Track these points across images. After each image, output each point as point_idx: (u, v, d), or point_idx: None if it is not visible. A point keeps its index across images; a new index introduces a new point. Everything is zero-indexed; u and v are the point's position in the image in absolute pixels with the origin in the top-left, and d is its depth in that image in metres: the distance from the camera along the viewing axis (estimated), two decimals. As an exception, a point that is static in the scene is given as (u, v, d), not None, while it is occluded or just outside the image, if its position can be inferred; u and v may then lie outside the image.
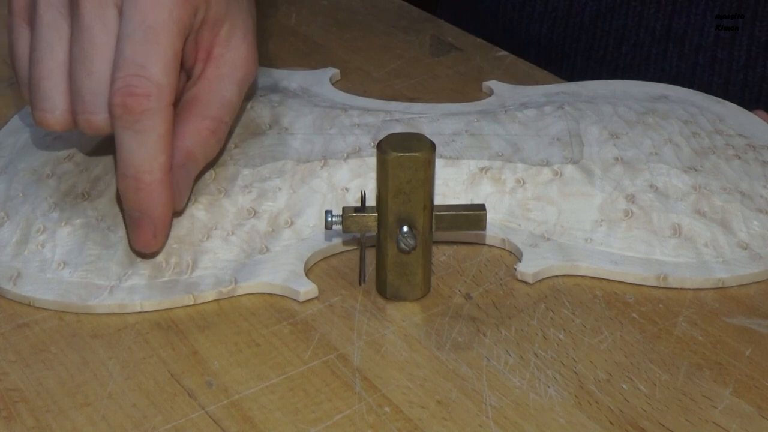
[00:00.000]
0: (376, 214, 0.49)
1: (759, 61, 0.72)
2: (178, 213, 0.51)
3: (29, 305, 0.50)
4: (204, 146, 0.50)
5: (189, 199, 0.52)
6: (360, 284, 0.51)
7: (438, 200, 0.52)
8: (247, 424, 0.44)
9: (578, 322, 0.49)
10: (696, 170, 0.55)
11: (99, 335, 0.48)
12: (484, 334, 0.48)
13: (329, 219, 0.49)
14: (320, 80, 0.65)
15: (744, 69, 0.73)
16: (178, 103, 0.50)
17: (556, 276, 0.52)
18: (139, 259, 0.51)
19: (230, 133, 0.56)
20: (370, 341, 0.48)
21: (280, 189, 0.54)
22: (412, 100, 0.66)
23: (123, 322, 0.49)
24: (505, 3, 0.81)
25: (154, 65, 0.46)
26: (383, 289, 0.51)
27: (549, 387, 0.46)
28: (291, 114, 0.58)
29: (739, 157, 0.57)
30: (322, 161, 0.55)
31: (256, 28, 0.54)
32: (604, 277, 0.52)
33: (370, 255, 0.52)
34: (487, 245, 0.54)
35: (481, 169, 0.55)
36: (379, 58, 0.72)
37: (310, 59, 0.71)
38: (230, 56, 0.51)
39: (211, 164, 0.54)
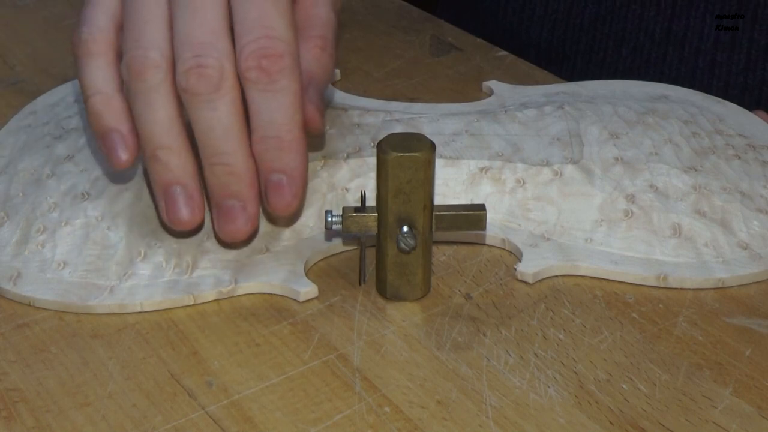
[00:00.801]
0: (376, 214, 0.49)
1: (759, 64, 0.72)
2: (319, 135, 0.52)
3: (29, 305, 0.50)
4: (319, 63, 0.50)
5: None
6: (360, 284, 0.51)
7: (438, 200, 0.52)
8: (247, 424, 0.44)
9: (578, 322, 0.49)
10: (696, 170, 0.55)
11: (99, 335, 0.48)
12: (484, 334, 0.48)
13: (329, 219, 0.49)
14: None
15: (744, 72, 0.73)
16: None
17: (556, 276, 0.52)
18: (139, 260, 0.51)
19: None
20: (370, 341, 0.48)
21: (280, 189, 0.54)
22: (412, 100, 0.66)
23: (123, 322, 0.49)
24: (505, 4, 0.81)
25: (281, 24, 0.47)
26: (383, 289, 0.51)
27: (549, 387, 0.46)
28: (291, 114, 0.58)
29: (739, 157, 0.57)
30: (322, 161, 0.55)
31: None
32: (604, 277, 0.52)
33: (370, 255, 0.52)
34: (487, 245, 0.54)
35: (481, 169, 0.55)
36: (379, 58, 0.72)
37: (310, 59, 0.71)
38: None
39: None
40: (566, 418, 0.44)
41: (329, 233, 0.53)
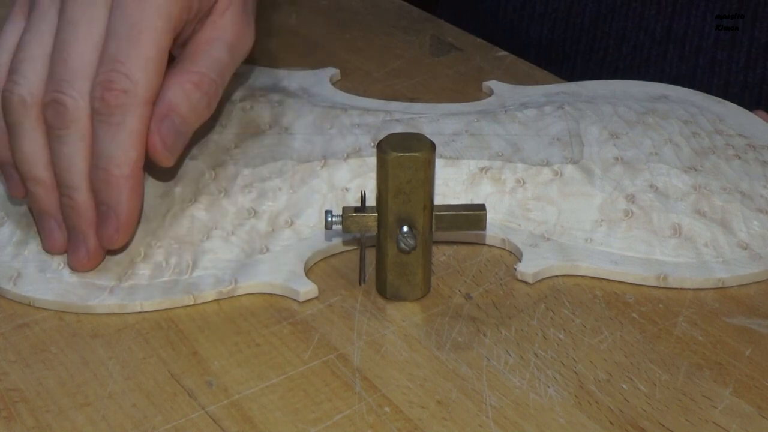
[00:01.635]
0: (376, 214, 0.49)
1: (759, 62, 0.72)
2: (168, 172, 0.52)
3: (29, 305, 0.50)
4: (187, 99, 0.49)
5: (188, 198, 0.52)
6: (360, 284, 0.51)
7: (438, 200, 0.52)
8: (247, 424, 0.44)
9: (578, 322, 0.49)
10: (696, 170, 0.55)
11: (99, 335, 0.48)
12: (484, 334, 0.48)
13: (329, 219, 0.49)
14: (320, 80, 0.65)
15: (744, 71, 0.73)
16: None
17: (556, 276, 0.52)
18: (139, 260, 0.51)
19: (230, 130, 0.56)
20: (370, 341, 0.48)
21: (280, 189, 0.54)
22: (412, 100, 0.66)
23: (123, 322, 0.49)
24: (505, 4, 0.80)
25: (133, 62, 0.47)
26: (383, 289, 0.51)
27: (549, 387, 0.45)
28: (291, 114, 0.58)
29: (739, 157, 0.57)
30: (322, 161, 0.55)
31: (255, 10, 0.54)
32: (604, 277, 0.52)
33: (370, 255, 0.52)
34: (487, 245, 0.54)
35: (481, 169, 0.55)
36: (379, 58, 0.72)
37: (310, 59, 0.71)
38: (223, 22, 0.51)
39: (212, 164, 0.54)
40: (566, 418, 0.44)
41: (329, 233, 0.53)
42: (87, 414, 0.44)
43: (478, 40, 0.74)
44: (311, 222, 0.53)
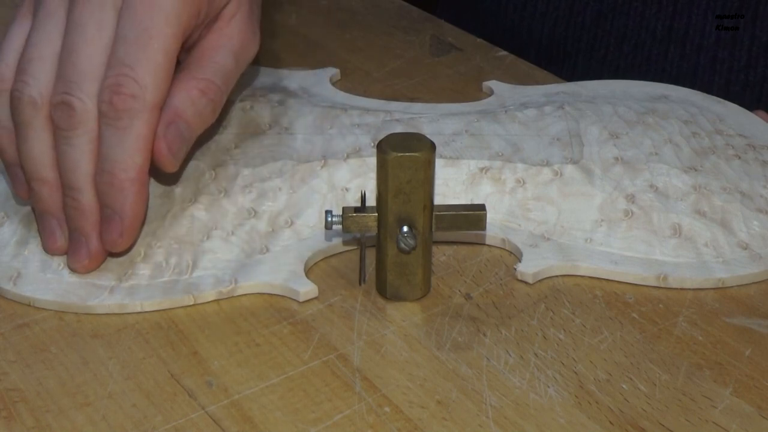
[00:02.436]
0: (376, 214, 0.49)
1: (760, 61, 0.72)
2: (171, 177, 0.52)
3: (29, 305, 0.50)
4: (193, 106, 0.49)
5: (188, 198, 0.52)
6: (360, 284, 0.51)
7: (438, 200, 0.52)
8: (247, 424, 0.44)
9: (578, 322, 0.49)
10: (696, 170, 0.55)
11: (99, 335, 0.48)
12: (484, 334, 0.48)
13: (329, 219, 0.49)
14: (320, 80, 0.65)
15: (745, 69, 0.73)
16: None
17: (556, 276, 0.52)
18: (139, 260, 0.51)
19: (230, 130, 0.56)
20: (370, 341, 0.48)
21: (280, 189, 0.54)
22: (412, 100, 0.66)
23: (123, 322, 0.49)
24: (506, 3, 0.80)
25: (142, 67, 0.47)
26: (383, 289, 0.50)
27: (549, 387, 0.45)
28: (291, 114, 0.58)
29: (739, 157, 0.57)
30: (322, 161, 0.55)
31: (260, 17, 0.54)
32: (604, 277, 0.52)
33: (370, 255, 0.52)
34: (487, 245, 0.54)
35: (481, 169, 0.55)
36: (379, 58, 0.72)
37: (310, 59, 0.71)
38: (228, 30, 0.52)
39: (212, 164, 0.54)
40: (566, 418, 0.44)
41: (329, 233, 0.53)
42: (87, 414, 0.44)
43: (478, 40, 0.74)
44: (311, 222, 0.53)
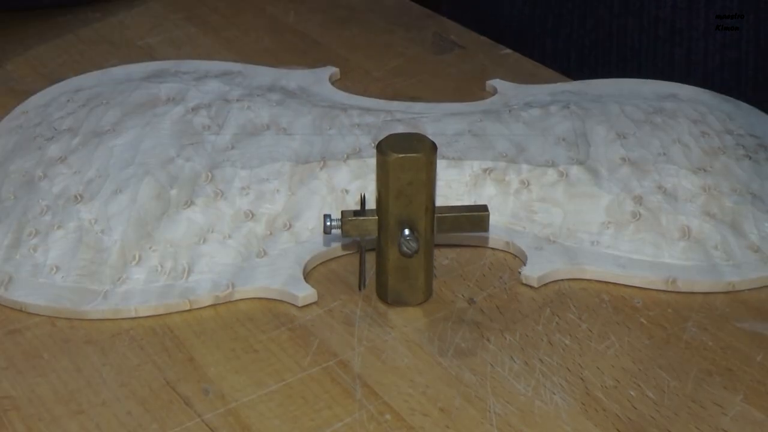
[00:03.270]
0: (377, 218, 0.49)
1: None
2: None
3: (21, 310, 0.49)
4: None
5: (184, 200, 0.52)
6: (360, 289, 0.51)
7: (440, 202, 0.52)
8: (245, 433, 0.43)
9: (585, 327, 0.49)
10: (705, 171, 0.55)
11: (92, 341, 0.48)
12: (488, 340, 0.48)
13: (328, 223, 0.49)
14: (319, 79, 0.65)
15: (753, 70, 0.72)
16: None
17: (562, 280, 0.52)
18: (133, 263, 0.50)
19: (227, 131, 0.56)
20: (371, 347, 0.48)
21: (278, 191, 0.53)
22: (413, 99, 0.66)
23: (117, 327, 0.49)
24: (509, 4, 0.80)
25: None
26: (384, 294, 0.50)
27: (555, 394, 0.45)
28: (289, 114, 0.58)
29: (750, 158, 0.56)
30: (321, 162, 0.54)
31: None
32: (611, 281, 0.51)
33: (370, 259, 0.51)
34: (491, 248, 0.54)
35: (485, 170, 0.55)
36: (380, 56, 0.72)
37: (309, 58, 0.70)
38: None
39: (209, 165, 0.54)
40: (572, 425, 0.44)
41: (328, 236, 0.53)
42: (80, 422, 0.44)
43: (482, 37, 0.74)
44: (310, 225, 0.53)
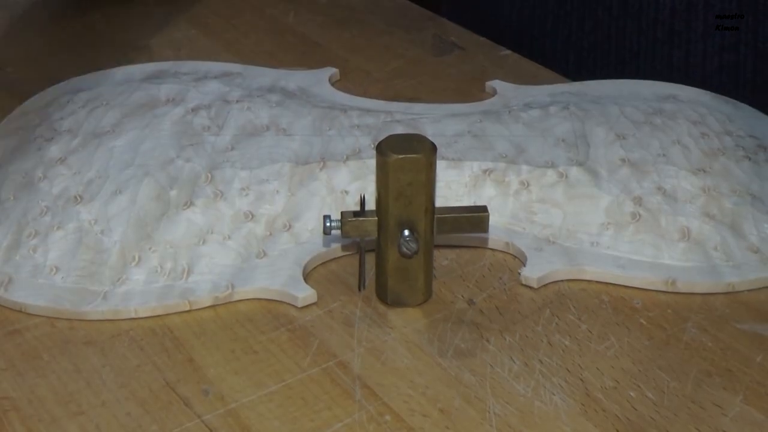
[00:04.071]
0: (376, 218, 0.49)
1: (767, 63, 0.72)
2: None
3: (21, 311, 0.49)
4: None
5: (184, 201, 0.52)
6: (359, 290, 0.51)
7: (439, 203, 0.52)
8: (244, 434, 0.43)
9: (584, 328, 0.49)
10: (705, 172, 0.55)
11: (92, 342, 0.48)
12: (488, 341, 0.48)
13: (328, 224, 0.49)
14: (319, 80, 0.65)
15: (752, 72, 0.72)
16: None
17: (562, 280, 0.52)
18: (133, 264, 0.50)
19: (227, 132, 0.56)
20: (371, 348, 0.47)
21: (278, 192, 0.53)
22: (413, 100, 0.65)
23: (117, 328, 0.48)
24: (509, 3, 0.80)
25: None
26: (384, 295, 0.50)
27: (554, 394, 0.45)
28: (289, 115, 0.58)
29: (750, 159, 0.56)
30: (321, 163, 0.54)
31: None
32: (610, 282, 0.51)
33: (370, 260, 0.51)
34: (491, 249, 0.54)
35: (485, 171, 0.55)
36: (380, 57, 0.71)
37: (309, 59, 0.70)
38: None
39: (209, 166, 0.53)
40: (572, 426, 0.43)
41: (328, 237, 0.52)
42: (80, 423, 0.43)
43: (481, 38, 0.74)
44: (310, 226, 0.53)
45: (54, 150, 0.55)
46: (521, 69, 0.70)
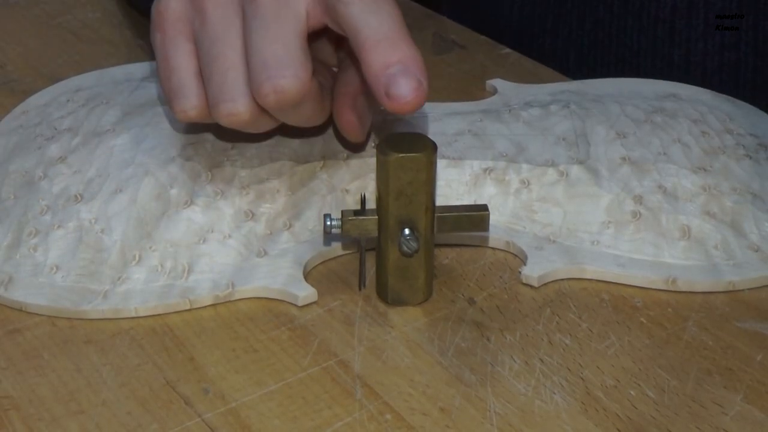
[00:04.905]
0: (377, 217, 0.48)
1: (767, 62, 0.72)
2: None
3: (21, 310, 0.49)
4: None
5: (184, 200, 0.52)
6: (360, 289, 0.51)
7: (440, 202, 0.52)
8: (245, 433, 0.43)
9: (585, 327, 0.49)
10: (705, 170, 0.55)
11: (92, 341, 0.48)
12: (488, 340, 0.48)
13: (328, 223, 0.49)
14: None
15: (752, 71, 0.72)
16: None
17: (562, 279, 0.51)
18: (133, 263, 0.50)
19: (227, 131, 0.56)
20: (371, 347, 0.47)
21: (278, 191, 0.53)
22: (413, 99, 0.65)
23: (117, 327, 0.48)
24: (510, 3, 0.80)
25: None
26: (384, 294, 0.50)
27: (555, 393, 0.45)
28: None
29: (750, 157, 0.56)
30: (322, 162, 0.54)
31: None
32: (611, 281, 0.51)
33: (370, 258, 0.51)
34: (491, 248, 0.54)
35: (485, 170, 0.55)
36: (380, 56, 0.71)
37: (310, 58, 0.70)
38: None
39: (209, 165, 0.53)
40: (572, 425, 0.43)
41: (328, 236, 0.52)
42: (80, 422, 0.43)
43: (482, 37, 0.74)
44: (310, 224, 0.53)
45: (54, 149, 0.55)
46: (522, 68, 0.70)
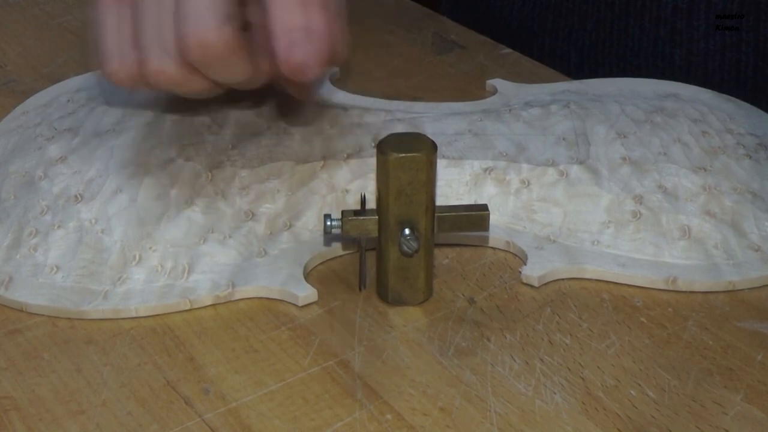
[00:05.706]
0: (377, 217, 0.48)
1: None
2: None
3: (21, 311, 0.49)
4: None
5: (184, 200, 0.52)
6: (360, 289, 0.51)
7: (440, 202, 0.52)
8: (245, 433, 0.43)
9: (585, 327, 0.49)
10: (706, 170, 0.55)
11: (93, 341, 0.48)
12: (489, 339, 0.48)
13: (328, 223, 0.49)
14: (319, 79, 0.65)
15: (753, 71, 0.72)
16: None
17: (562, 279, 0.51)
18: (133, 263, 0.50)
19: (227, 131, 0.56)
20: (371, 347, 0.47)
21: (278, 191, 0.53)
22: (413, 99, 0.65)
23: (117, 327, 0.48)
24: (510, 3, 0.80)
25: None
26: (384, 294, 0.50)
27: (555, 393, 0.45)
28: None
29: (750, 157, 0.56)
30: (322, 162, 0.54)
31: None
32: (611, 280, 0.51)
33: (370, 258, 0.51)
34: (491, 248, 0.54)
35: (485, 170, 0.55)
36: (380, 56, 0.71)
37: (310, 58, 0.70)
38: None
39: (209, 165, 0.53)
40: (573, 425, 0.43)
41: (329, 236, 0.52)
42: (80, 422, 0.43)
43: (482, 37, 0.74)
44: (310, 224, 0.53)
45: (54, 149, 0.55)
46: (522, 67, 0.70)
